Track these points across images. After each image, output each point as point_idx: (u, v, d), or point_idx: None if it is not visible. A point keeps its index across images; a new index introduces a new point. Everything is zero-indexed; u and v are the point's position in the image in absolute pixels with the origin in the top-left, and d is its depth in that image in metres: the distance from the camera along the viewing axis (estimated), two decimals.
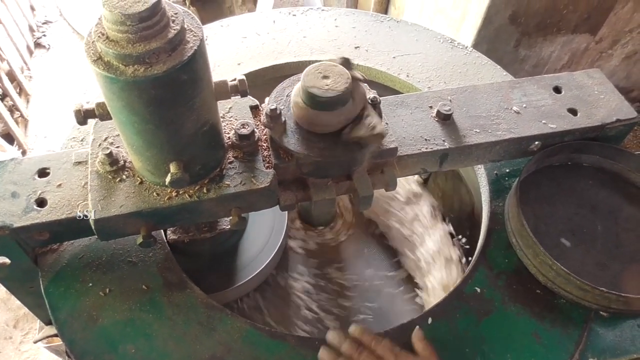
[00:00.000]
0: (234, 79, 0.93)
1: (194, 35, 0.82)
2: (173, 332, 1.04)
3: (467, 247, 1.55)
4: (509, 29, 2.17)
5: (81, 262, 1.11)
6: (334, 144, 1.00)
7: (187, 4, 3.06)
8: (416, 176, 1.70)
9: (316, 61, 1.00)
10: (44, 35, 3.78)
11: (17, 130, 3.04)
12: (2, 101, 3.02)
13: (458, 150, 1.15)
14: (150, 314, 1.06)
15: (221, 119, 1.03)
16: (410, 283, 1.61)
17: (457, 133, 1.16)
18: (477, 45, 2.15)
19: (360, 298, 1.54)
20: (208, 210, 1.01)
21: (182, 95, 0.83)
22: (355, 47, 1.59)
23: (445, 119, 1.18)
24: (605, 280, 1.09)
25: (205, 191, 0.98)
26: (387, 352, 0.95)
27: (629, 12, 2.35)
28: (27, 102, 3.36)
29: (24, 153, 3.01)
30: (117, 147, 1.02)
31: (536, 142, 1.21)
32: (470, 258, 1.40)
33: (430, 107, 1.21)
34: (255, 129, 1.02)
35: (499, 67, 1.55)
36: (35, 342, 1.38)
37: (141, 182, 0.99)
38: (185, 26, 0.82)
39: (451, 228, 1.66)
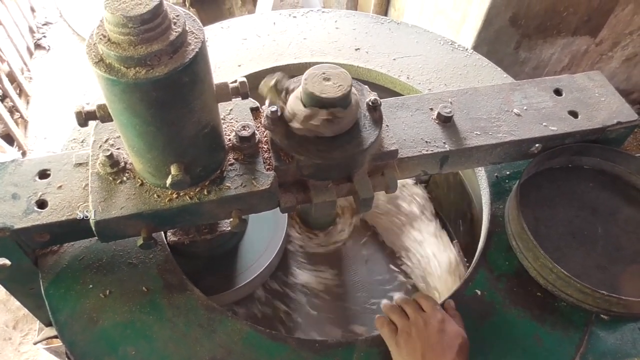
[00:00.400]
0: (235, 81, 0.93)
1: (196, 38, 0.82)
2: (173, 334, 1.04)
3: (467, 249, 1.55)
4: (509, 31, 2.17)
5: (81, 263, 1.11)
6: (334, 146, 1.00)
7: (187, 5, 3.06)
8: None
9: (316, 63, 1.00)
10: (44, 37, 3.78)
11: (17, 132, 3.04)
12: (2, 102, 3.02)
13: (458, 152, 1.15)
14: (151, 316, 1.05)
15: (222, 121, 1.03)
16: (411, 285, 1.61)
17: (457, 135, 1.16)
18: (477, 47, 2.15)
19: (360, 299, 1.54)
20: (208, 212, 1.01)
21: (183, 98, 0.83)
22: (356, 49, 1.59)
23: (445, 121, 1.18)
24: (605, 283, 1.09)
25: (205, 193, 0.98)
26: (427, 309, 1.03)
27: (629, 14, 2.35)
28: (27, 103, 3.36)
29: (23, 154, 3.01)
30: (118, 148, 1.02)
31: (537, 145, 1.21)
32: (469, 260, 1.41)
33: (431, 109, 1.21)
34: (255, 131, 1.02)
35: (499, 69, 1.55)
36: (35, 343, 1.38)
37: (142, 184, 0.99)
38: (187, 28, 0.82)
39: (451, 230, 1.67)
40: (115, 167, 0.99)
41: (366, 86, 1.09)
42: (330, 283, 1.54)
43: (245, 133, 1.01)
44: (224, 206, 1.00)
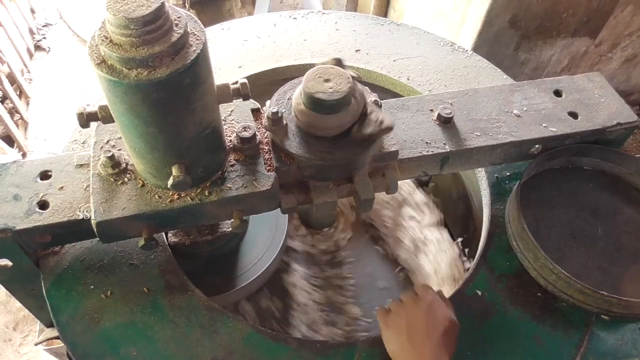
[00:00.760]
0: (236, 82, 0.94)
1: (197, 39, 0.82)
2: (174, 334, 1.04)
3: (468, 249, 1.55)
4: (509, 32, 2.17)
5: (83, 264, 1.11)
6: (335, 146, 1.00)
7: (187, 6, 3.06)
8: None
9: (317, 64, 1.01)
10: (44, 38, 3.78)
11: (17, 133, 3.04)
12: (2, 103, 3.02)
13: (459, 153, 1.15)
14: (152, 317, 1.06)
15: (223, 122, 1.03)
16: (410, 285, 1.61)
17: (457, 136, 1.17)
18: (477, 48, 2.15)
19: (360, 299, 1.55)
20: (210, 213, 1.01)
21: (184, 99, 0.84)
22: (356, 50, 1.59)
23: (446, 122, 1.18)
24: (606, 284, 1.09)
25: (207, 194, 0.98)
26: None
27: (629, 16, 2.36)
28: (27, 104, 3.36)
29: (24, 155, 3.01)
30: (119, 149, 1.02)
31: (537, 146, 1.21)
32: (468, 260, 1.41)
33: (431, 110, 1.21)
34: (256, 132, 1.03)
35: (499, 70, 1.55)
36: (36, 344, 1.38)
37: (143, 185, 0.99)
38: (189, 30, 0.82)
39: (451, 231, 1.67)
40: (117, 168, 0.99)
41: (367, 87, 1.09)
42: (330, 281, 1.55)
43: (246, 134, 1.01)
44: (225, 207, 1.00)
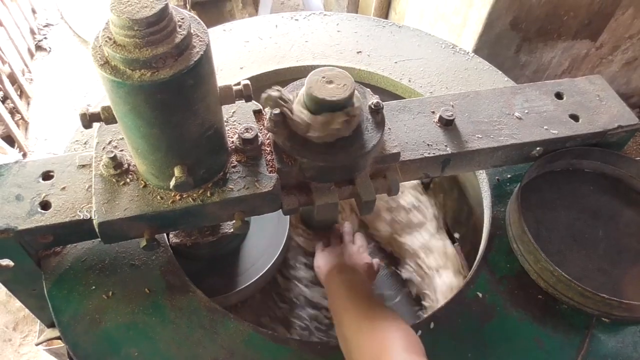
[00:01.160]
0: (239, 84, 0.94)
1: (200, 40, 0.83)
2: (176, 335, 1.04)
3: (468, 252, 1.55)
4: (510, 34, 2.18)
5: (84, 265, 1.11)
6: (337, 148, 1.00)
7: (188, 7, 3.07)
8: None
9: (318, 66, 1.01)
10: (45, 38, 3.78)
11: (17, 133, 3.04)
12: (3, 103, 3.02)
13: (460, 155, 1.16)
14: (153, 317, 1.06)
15: (225, 123, 1.03)
16: (410, 286, 1.61)
17: (459, 138, 1.17)
18: (478, 50, 2.16)
19: None
20: (211, 214, 1.01)
21: (187, 100, 0.84)
22: (357, 52, 1.59)
23: (447, 125, 1.18)
24: (607, 287, 1.09)
25: (208, 195, 0.98)
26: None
27: (630, 18, 2.36)
28: (28, 104, 3.36)
29: (24, 155, 3.01)
30: (121, 150, 1.02)
31: (538, 148, 1.21)
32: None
33: (433, 112, 1.21)
34: (258, 133, 1.03)
35: (500, 72, 1.56)
36: (37, 344, 1.38)
37: (145, 186, 0.99)
38: (192, 31, 0.82)
39: (452, 233, 1.67)
40: (119, 169, 0.99)
41: (368, 89, 1.09)
42: None
43: (248, 135, 1.01)
44: (226, 208, 1.00)
